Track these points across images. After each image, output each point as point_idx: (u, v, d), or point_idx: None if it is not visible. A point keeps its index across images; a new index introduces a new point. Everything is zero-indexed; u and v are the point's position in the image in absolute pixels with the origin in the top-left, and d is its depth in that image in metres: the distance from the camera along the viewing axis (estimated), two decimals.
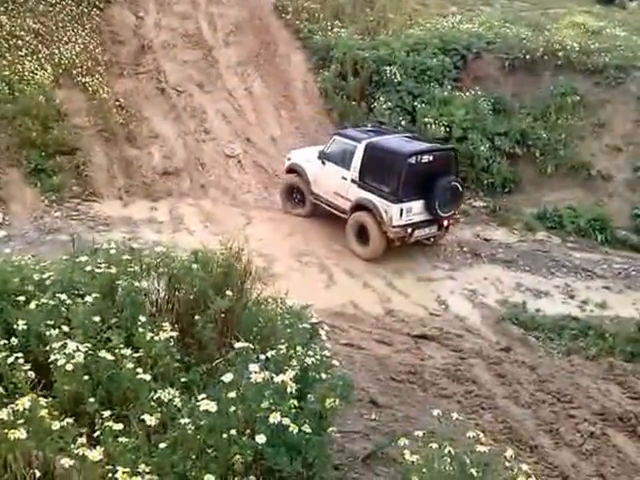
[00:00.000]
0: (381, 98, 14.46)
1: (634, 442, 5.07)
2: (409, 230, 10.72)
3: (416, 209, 10.76)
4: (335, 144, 11.76)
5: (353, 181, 11.22)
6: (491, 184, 13.47)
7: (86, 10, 15.16)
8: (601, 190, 13.04)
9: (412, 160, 10.60)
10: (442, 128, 13.55)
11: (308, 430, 2.71)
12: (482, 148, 13.34)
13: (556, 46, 14.64)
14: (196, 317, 4.11)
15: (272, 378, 2.87)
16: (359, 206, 11.08)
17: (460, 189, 11.07)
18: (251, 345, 3.61)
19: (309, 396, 3.02)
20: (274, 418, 2.58)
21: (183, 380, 3.41)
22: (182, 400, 2.93)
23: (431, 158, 10.80)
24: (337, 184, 11.48)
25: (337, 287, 10.41)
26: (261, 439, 2.50)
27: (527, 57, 14.58)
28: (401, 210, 10.59)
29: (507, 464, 2.71)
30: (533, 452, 4.79)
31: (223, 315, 4.29)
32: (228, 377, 2.90)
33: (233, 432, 2.51)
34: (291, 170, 12.68)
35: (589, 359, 7.95)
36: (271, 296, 4.95)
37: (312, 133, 15.16)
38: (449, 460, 2.66)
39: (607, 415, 5.61)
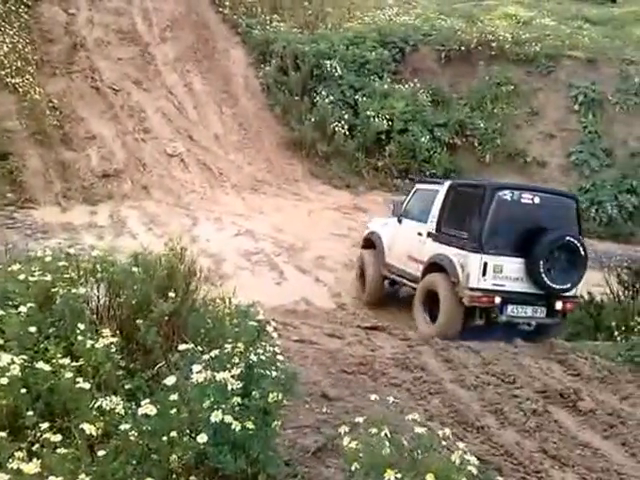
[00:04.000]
0: (323, 92, 14.56)
1: (574, 417, 5.29)
2: (497, 300, 7.36)
3: (510, 270, 7.44)
4: (416, 195, 9.16)
5: (429, 235, 8.30)
6: (433, 175, 13.75)
7: (13, 8, 14.59)
8: (537, 176, 13.55)
9: (504, 195, 7.52)
10: (384, 121, 13.74)
11: (251, 426, 2.71)
12: (423, 139, 13.64)
13: (489, 37, 15.15)
14: (138, 322, 4.05)
15: (214, 377, 2.87)
16: (431, 267, 8.06)
17: (582, 251, 7.49)
18: (198, 347, 3.62)
19: (253, 392, 3.03)
20: (215, 417, 2.56)
21: (127, 387, 3.35)
22: (125, 407, 2.86)
23: (537, 200, 7.61)
24: (412, 244, 8.64)
25: (288, 284, 10.41)
26: (202, 439, 2.48)
27: (462, 48, 15.01)
28: (484, 265, 7.34)
29: (444, 443, 2.79)
30: (479, 433, 4.93)
31: (167, 318, 4.26)
32: (171, 380, 2.88)
33: (174, 434, 2.49)
34: (367, 243, 9.98)
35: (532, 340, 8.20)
36: (219, 296, 4.94)
37: (255, 129, 15.10)
38: (387, 443, 2.72)
39: (549, 392, 5.82)
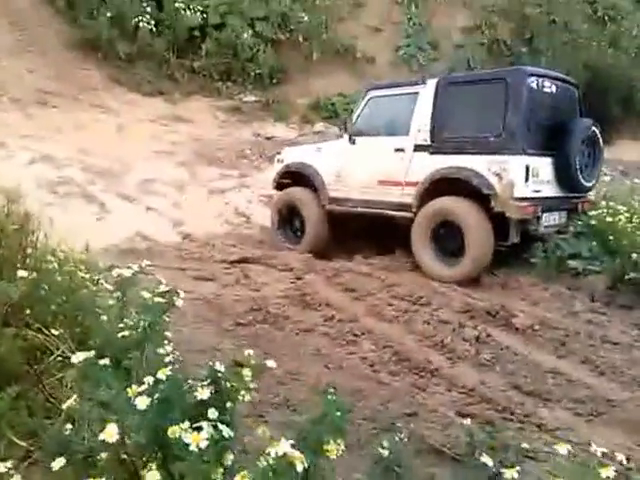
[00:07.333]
0: None
1: (519, 338, 4.81)
2: (538, 210, 6.11)
3: (544, 173, 6.27)
4: (372, 106, 7.28)
5: (419, 148, 6.65)
6: (258, 75, 12.36)
7: None
8: (367, 73, 12.85)
9: (533, 82, 6.22)
10: (198, 14, 11.76)
11: None
12: (245, 35, 12.01)
13: None
14: None
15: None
16: (437, 186, 6.42)
17: (602, 142, 6.68)
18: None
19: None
20: None
21: None
22: None
23: (554, 89, 6.47)
24: (385, 164, 6.95)
25: (114, 217, 8.54)
26: None
27: None
28: (527, 168, 6.03)
29: None
30: (437, 377, 4.19)
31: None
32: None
33: None
34: (288, 177, 7.99)
35: None
36: (56, 251, 3.52)
37: (33, 29, 12.03)
38: None
39: (473, 312, 5.28)
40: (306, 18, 12.64)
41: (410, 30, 13.20)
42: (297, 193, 7.79)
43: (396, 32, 13.19)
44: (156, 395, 2.10)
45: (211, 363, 2.33)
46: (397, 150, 6.86)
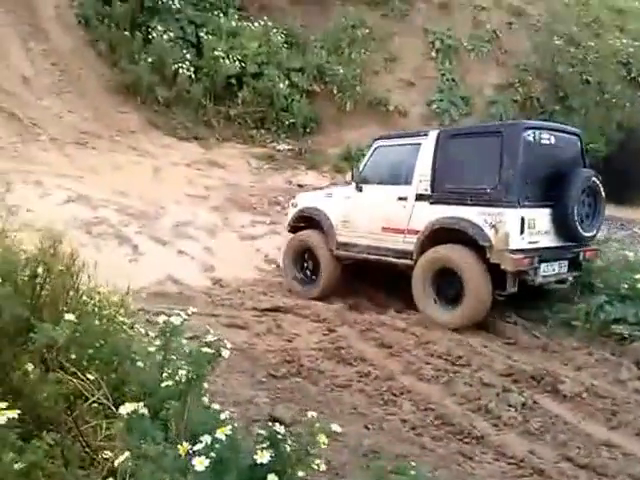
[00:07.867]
0: (159, 27, 12.32)
1: (566, 405, 4.60)
2: (535, 261, 6.16)
3: (541, 224, 6.31)
4: (378, 155, 7.48)
5: (421, 198, 6.81)
6: (292, 124, 12.52)
7: None
8: (399, 126, 12.88)
9: (528, 136, 6.30)
10: (236, 63, 12.03)
11: None
12: (281, 85, 12.22)
13: None
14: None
15: None
16: (437, 235, 6.56)
17: (603, 192, 6.68)
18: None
19: None
20: None
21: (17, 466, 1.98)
22: None
23: (553, 140, 6.52)
24: (390, 212, 7.09)
25: (146, 259, 8.53)
26: None
27: None
28: (522, 220, 6.09)
29: None
30: (482, 445, 3.99)
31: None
32: None
33: None
34: (301, 221, 8.12)
35: None
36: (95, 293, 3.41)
37: (74, 70, 12.40)
38: None
39: (516, 375, 5.10)
40: (341, 71, 12.85)
41: (443, 85, 13.35)
42: (310, 236, 7.90)
43: (429, 87, 13.35)
44: (212, 454, 2.00)
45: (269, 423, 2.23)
46: (400, 199, 7.00)
